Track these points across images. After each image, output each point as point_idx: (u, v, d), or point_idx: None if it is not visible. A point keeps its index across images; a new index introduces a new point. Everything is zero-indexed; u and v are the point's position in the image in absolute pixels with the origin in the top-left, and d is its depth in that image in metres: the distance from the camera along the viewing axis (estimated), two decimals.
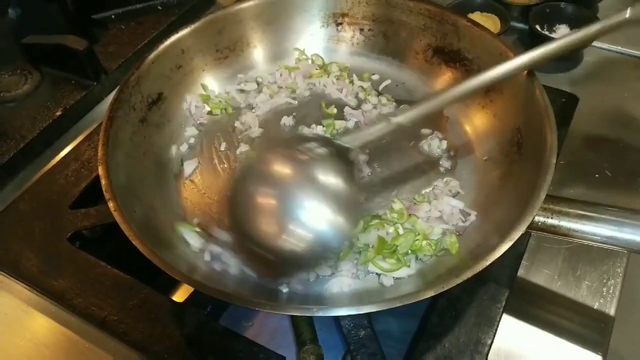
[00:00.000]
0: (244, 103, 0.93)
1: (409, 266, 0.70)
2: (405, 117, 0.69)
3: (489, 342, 0.64)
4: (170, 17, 1.11)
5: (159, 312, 0.69)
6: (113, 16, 1.13)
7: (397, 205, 0.76)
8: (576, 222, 0.63)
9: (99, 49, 1.02)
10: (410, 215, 0.75)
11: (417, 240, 0.71)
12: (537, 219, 0.63)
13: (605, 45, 1.03)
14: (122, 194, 0.68)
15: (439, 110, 0.85)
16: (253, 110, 0.92)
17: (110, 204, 0.64)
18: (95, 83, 0.99)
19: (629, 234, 0.61)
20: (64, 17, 1.12)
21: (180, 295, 0.77)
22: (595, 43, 1.02)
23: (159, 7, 1.14)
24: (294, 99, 0.94)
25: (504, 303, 0.67)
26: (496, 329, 0.65)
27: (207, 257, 0.72)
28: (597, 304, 0.69)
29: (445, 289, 0.57)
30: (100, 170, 0.68)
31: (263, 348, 0.65)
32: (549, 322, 0.69)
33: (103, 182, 0.66)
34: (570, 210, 0.63)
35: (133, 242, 0.61)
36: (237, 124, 0.90)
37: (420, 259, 0.71)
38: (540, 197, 0.63)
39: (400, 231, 0.72)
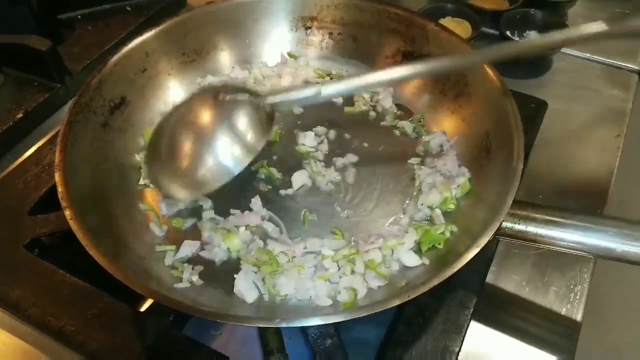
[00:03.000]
0: None
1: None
2: (333, 88, 0.68)
3: (457, 349, 0.64)
4: (139, 19, 1.09)
5: (119, 321, 0.66)
6: (80, 16, 1.10)
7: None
8: (543, 228, 0.63)
9: (63, 50, 0.99)
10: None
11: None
12: (504, 224, 0.63)
13: (574, 52, 1.04)
14: (81, 200, 0.66)
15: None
16: None
17: (67, 212, 0.62)
18: (59, 85, 0.96)
19: (594, 239, 0.61)
20: (31, 17, 1.09)
21: (145, 303, 0.74)
22: (564, 50, 1.04)
23: (127, 8, 1.12)
24: None
25: (472, 309, 0.67)
26: (464, 336, 0.65)
27: (168, 261, 0.71)
28: (564, 309, 0.69)
29: (412, 297, 0.56)
30: (57, 177, 0.66)
31: (226, 358, 0.63)
32: (517, 328, 0.69)
33: (60, 189, 0.65)
34: (537, 215, 0.63)
35: (89, 251, 0.59)
36: None
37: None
38: (507, 203, 0.63)
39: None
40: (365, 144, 0.86)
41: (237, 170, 0.66)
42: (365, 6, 0.92)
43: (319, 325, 0.64)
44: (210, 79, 0.92)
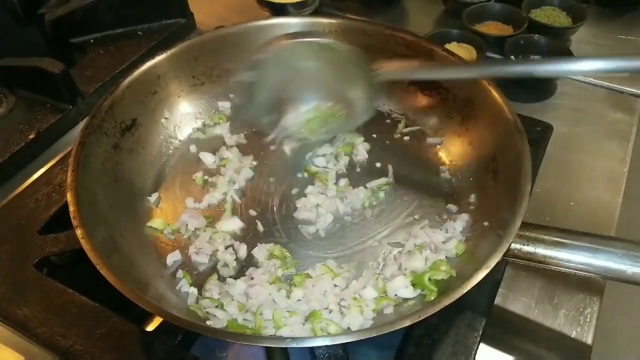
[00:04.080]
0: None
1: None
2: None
3: None
4: (151, 42, 1.11)
5: (127, 341, 0.66)
6: (92, 40, 1.13)
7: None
8: (552, 249, 0.63)
9: (75, 72, 1.01)
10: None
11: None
12: (513, 246, 0.63)
13: (578, 77, 1.06)
14: (92, 220, 0.67)
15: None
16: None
17: (78, 231, 0.63)
18: (71, 107, 0.97)
19: (603, 261, 0.61)
20: (43, 40, 1.11)
21: (152, 323, 0.74)
22: None
23: (139, 33, 1.14)
24: None
25: (481, 331, 0.66)
26: (473, 358, 0.64)
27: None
28: (574, 332, 0.69)
29: (422, 318, 0.56)
30: (69, 197, 0.67)
31: None
32: (527, 351, 0.68)
33: (71, 208, 0.65)
34: (546, 237, 0.64)
35: (100, 270, 0.59)
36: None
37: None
38: (516, 224, 0.63)
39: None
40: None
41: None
42: (373, 31, 0.93)
43: (328, 347, 0.64)
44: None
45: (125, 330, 0.67)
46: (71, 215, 0.65)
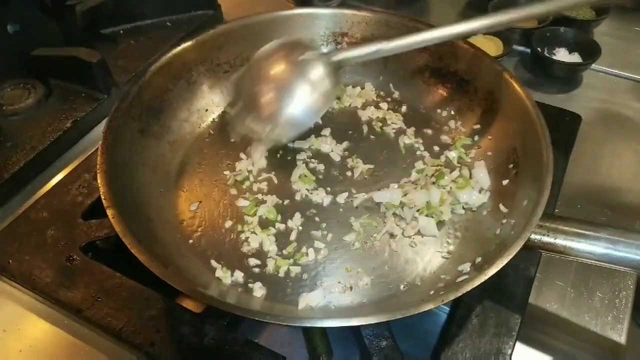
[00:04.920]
0: None
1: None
2: (394, 45, 0.76)
3: (510, 352, 0.65)
4: (180, 33, 1.12)
5: (177, 323, 0.68)
6: (122, 31, 1.14)
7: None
8: (572, 240, 0.64)
9: (109, 63, 1.02)
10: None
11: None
12: (533, 236, 0.64)
13: (603, 68, 1.08)
14: (121, 202, 0.68)
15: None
16: None
17: (109, 212, 0.65)
18: (106, 96, 0.99)
19: (623, 252, 0.62)
20: (68, 31, 1.12)
21: (197, 306, 0.76)
22: (593, 66, 1.07)
23: (168, 23, 1.16)
24: None
25: (524, 314, 0.68)
26: (515, 339, 0.66)
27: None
28: (610, 315, 0.71)
29: (445, 301, 0.58)
30: (99, 178, 0.69)
31: (284, 358, 0.65)
32: (565, 331, 0.71)
33: (102, 189, 0.67)
34: (566, 228, 0.64)
35: (131, 250, 0.61)
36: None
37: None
38: (537, 214, 0.64)
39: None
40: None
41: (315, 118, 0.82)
42: (395, 23, 0.95)
43: (374, 327, 0.66)
44: None
45: (174, 312, 0.69)
46: (102, 197, 0.67)
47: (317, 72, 0.78)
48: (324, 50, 0.85)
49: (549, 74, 1.05)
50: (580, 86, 1.04)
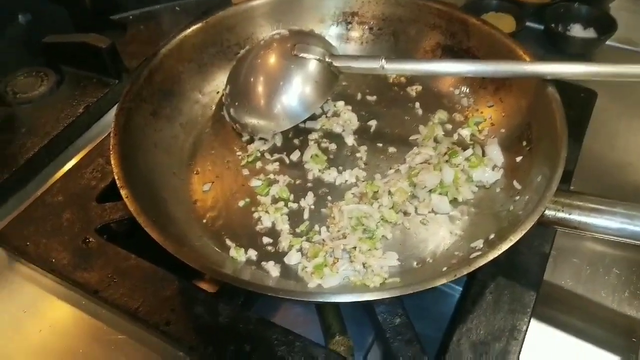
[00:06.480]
0: None
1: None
2: (395, 66, 0.78)
3: (524, 328, 0.64)
4: (189, 18, 1.11)
5: (192, 302, 0.68)
6: (131, 17, 1.14)
7: None
8: (586, 215, 0.63)
9: (119, 48, 1.02)
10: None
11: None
12: (547, 212, 0.63)
13: (618, 44, 1.05)
14: (135, 183, 0.69)
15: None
16: None
17: (123, 192, 0.66)
18: (117, 81, 0.99)
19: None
20: (79, 18, 1.13)
21: (211, 286, 0.77)
22: (608, 42, 1.04)
23: (177, 8, 1.15)
24: None
25: (538, 291, 0.68)
26: (530, 316, 0.66)
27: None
28: (627, 291, 0.70)
29: (458, 277, 0.58)
30: (112, 159, 0.70)
31: (299, 336, 0.65)
32: (582, 308, 0.70)
33: (115, 170, 0.68)
34: (581, 203, 0.64)
35: (146, 229, 0.62)
36: None
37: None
38: (552, 189, 0.63)
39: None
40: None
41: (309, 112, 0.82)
42: (406, 1, 0.94)
43: (387, 304, 0.66)
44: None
45: (189, 292, 0.70)
46: (115, 177, 0.68)
47: (313, 66, 0.80)
48: (328, 48, 0.84)
49: (563, 51, 1.03)
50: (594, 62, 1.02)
